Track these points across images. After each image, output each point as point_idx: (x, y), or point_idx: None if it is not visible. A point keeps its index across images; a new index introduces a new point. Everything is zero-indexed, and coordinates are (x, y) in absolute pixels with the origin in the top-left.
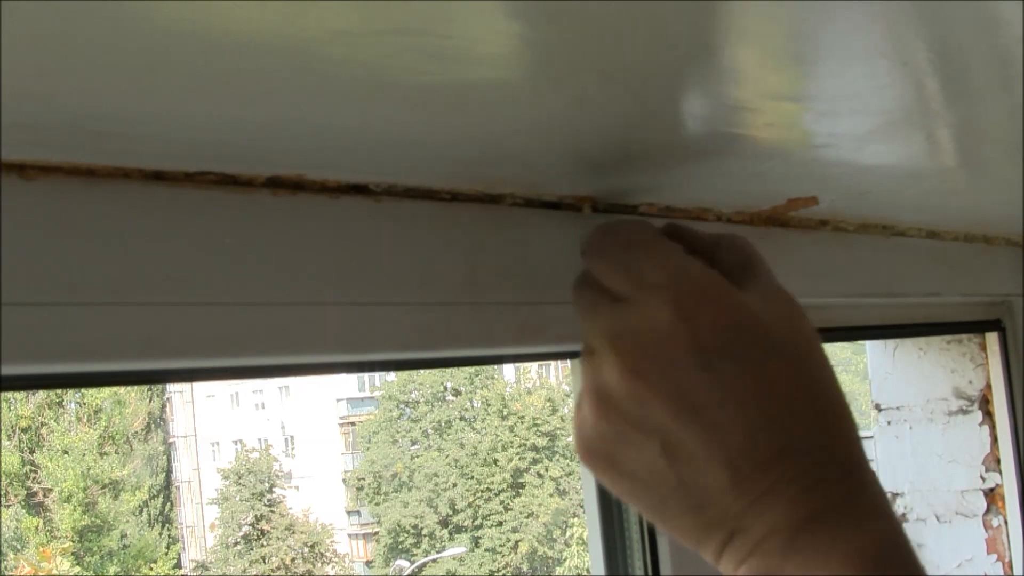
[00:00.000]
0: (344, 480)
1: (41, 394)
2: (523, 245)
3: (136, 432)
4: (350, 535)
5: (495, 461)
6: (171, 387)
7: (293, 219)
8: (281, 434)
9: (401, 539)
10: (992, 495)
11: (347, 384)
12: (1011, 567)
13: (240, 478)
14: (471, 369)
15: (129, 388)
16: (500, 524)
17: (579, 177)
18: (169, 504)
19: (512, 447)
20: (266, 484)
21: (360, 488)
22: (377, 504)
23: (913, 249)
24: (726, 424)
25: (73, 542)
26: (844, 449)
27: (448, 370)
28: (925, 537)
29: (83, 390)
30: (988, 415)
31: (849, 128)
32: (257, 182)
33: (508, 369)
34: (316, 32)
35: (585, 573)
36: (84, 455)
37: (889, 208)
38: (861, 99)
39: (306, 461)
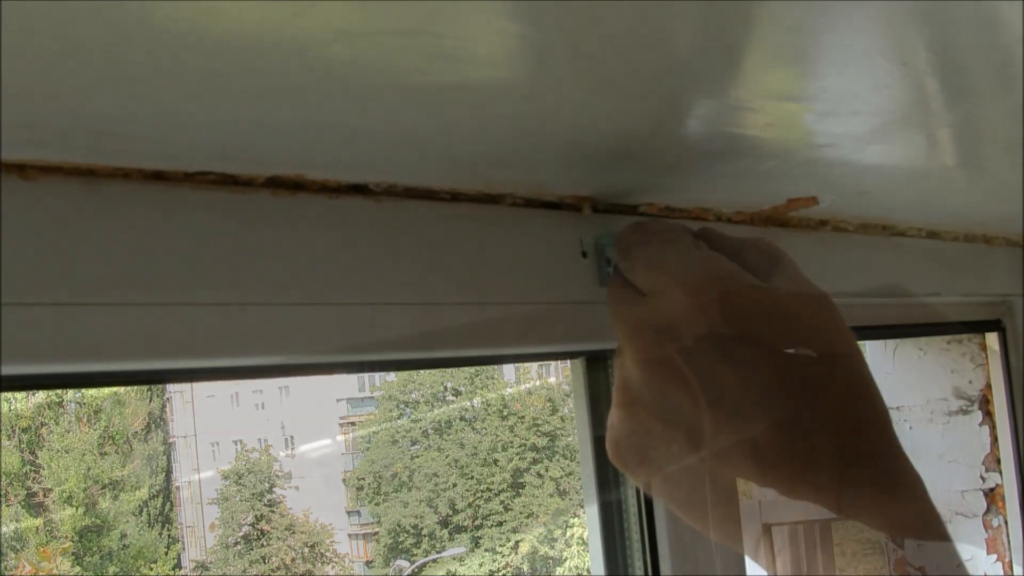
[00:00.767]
0: (344, 480)
1: (41, 394)
2: (523, 245)
3: (136, 432)
4: (350, 535)
5: (495, 461)
6: (171, 387)
7: (293, 219)
8: (281, 434)
9: (401, 539)
10: (992, 495)
11: (347, 384)
12: (1011, 567)
13: (240, 478)
14: (471, 369)
15: (129, 388)
16: (500, 524)
17: (579, 177)
18: (169, 504)
19: (512, 447)
20: (266, 484)
21: (360, 488)
22: (377, 504)
23: (913, 249)
24: (748, 409)
25: (73, 542)
26: (875, 434)
27: (448, 370)
28: None
29: (83, 390)
30: (988, 415)
31: (849, 128)
32: (257, 182)
33: (508, 369)
34: (316, 32)
35: (585, 573)
36: (84, 455)
37: (889, 208)
38: (861, 99)
39: (306, 461)
